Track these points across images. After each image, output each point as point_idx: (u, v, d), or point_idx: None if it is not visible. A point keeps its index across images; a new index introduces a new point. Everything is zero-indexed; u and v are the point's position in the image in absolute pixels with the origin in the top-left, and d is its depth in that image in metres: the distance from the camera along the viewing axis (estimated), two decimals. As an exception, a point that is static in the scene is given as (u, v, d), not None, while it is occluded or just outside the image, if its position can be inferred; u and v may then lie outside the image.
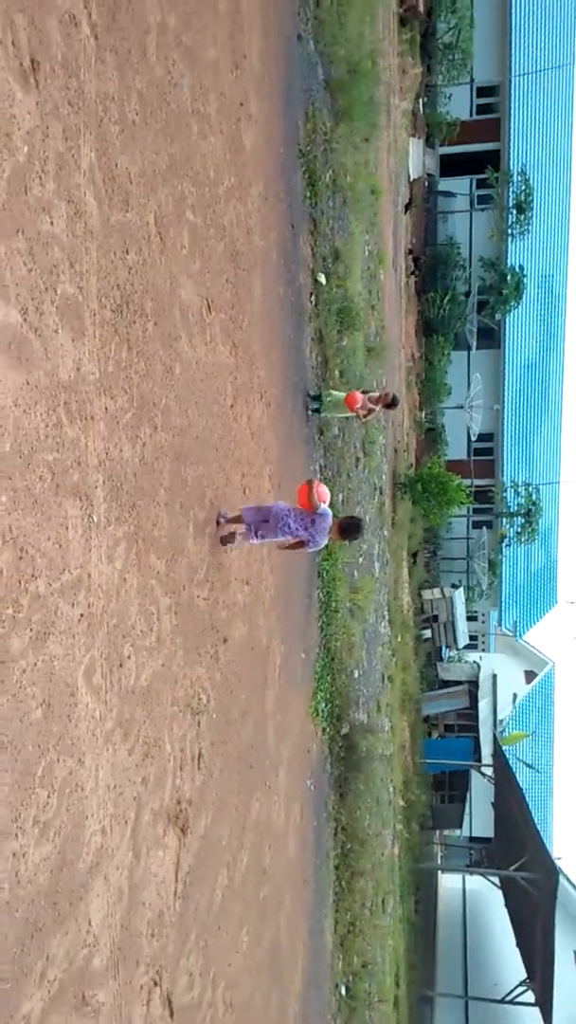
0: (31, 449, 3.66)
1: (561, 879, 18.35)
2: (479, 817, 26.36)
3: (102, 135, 4.41)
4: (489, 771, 23.94)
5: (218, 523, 6.45)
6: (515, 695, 29.38)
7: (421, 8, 24.87)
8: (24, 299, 3.61)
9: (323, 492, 6.75)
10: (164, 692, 5.13)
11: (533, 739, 29.48)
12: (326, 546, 7.87)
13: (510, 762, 22.42)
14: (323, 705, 10.48)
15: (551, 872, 16.86)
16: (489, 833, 24.62)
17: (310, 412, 10.24)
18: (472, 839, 27.32)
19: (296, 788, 9.04)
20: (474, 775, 25.94)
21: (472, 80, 29.73)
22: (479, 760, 25.87)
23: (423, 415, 29.39)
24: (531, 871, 17.75)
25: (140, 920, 4.70)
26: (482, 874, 22.02)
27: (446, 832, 27.70)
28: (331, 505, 9.56)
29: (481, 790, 25.41)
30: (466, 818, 26.50)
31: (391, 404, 10.91)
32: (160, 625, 5.12)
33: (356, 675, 12.74)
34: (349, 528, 7.03)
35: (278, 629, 8.43)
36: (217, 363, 6.60)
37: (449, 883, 25.63)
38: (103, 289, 4.43)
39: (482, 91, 30.30)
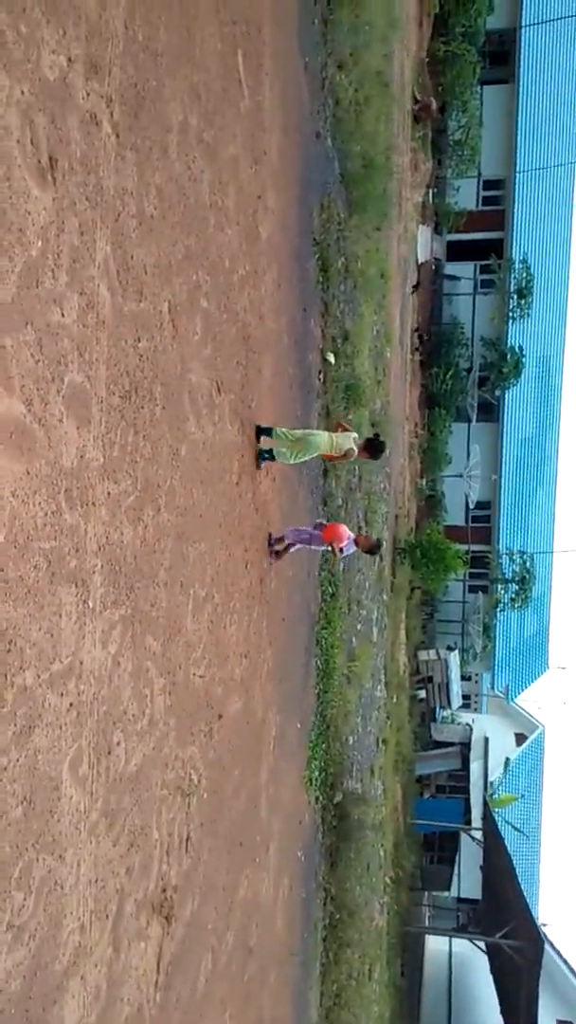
0: (27, 538, 3.45)
1: (546, 947, 17.59)
2: (467, 878, 25.44)
3: (119, 229, 4.29)
4: (478, 834, 23.17)
5: (270, 545, 7.94)
6: (508, 759, 28.61)
7: (434, 107, 25.39)
8: (29, 390, 3.43)
9: (343, 533, 8.23)
10: (154, 776, 4.83)
11: (522, 802, 28.62)
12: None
13: (499, 825, 21.70)
14: (317, 774, 10.07)
15: (536, 941, 16.15)
16: (477, 894, 23.73)
17: (261, 462, 7.44)
18: (460, 900, 26.35)
19: (286, 861, 8.61)
20: (463, 836, 25.12)
21: (479, 174, 30.31)
22: (469, 822, 25.08)
23: (424, 482, 29.28)
24: (517, 939, 17.01)
25: (118, 1017, 4.34)
26: (469, 938, 21.14)
27: (434, 892, 26.71)
28: (332, 571, 10.09)
29: (470, 851, 24.57)
30: (454, 879, 25.59)
31: (375, 453, 8.07)
32: (153, 707, 4.84)
33: (351, 741, 12.32)
34: (372, 550, 8.84)
35: (274, 700, 8.11)
36: (225, 442, 6.43)
37: (436, 945, 24.66)
38: (112, 376, 4.26)
39: (488, 184, 30.88)
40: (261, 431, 7.34)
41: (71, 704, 3.81)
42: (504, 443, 30.79)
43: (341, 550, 8.26)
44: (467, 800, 25.96)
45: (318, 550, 9.24)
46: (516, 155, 29.62)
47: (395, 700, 19.64)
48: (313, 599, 10.46)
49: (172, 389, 5.14)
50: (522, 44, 29.50)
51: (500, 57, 30.16)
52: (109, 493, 4.25)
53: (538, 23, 29.62)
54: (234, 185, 6.47)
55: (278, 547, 8.16)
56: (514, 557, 30.36)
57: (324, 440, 7.57)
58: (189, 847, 5.42)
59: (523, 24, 29.49)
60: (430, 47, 26.20)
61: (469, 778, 26.25)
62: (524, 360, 29.55)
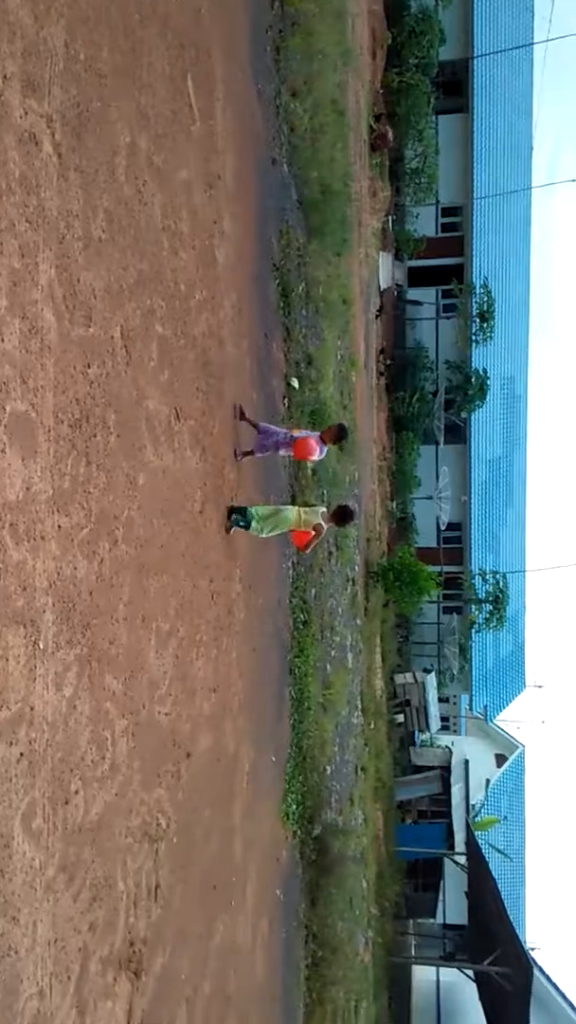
0: (-32, 578, 3.22)
1: (536, 972, 17.26)
2: (453, 904, 25.06)
3: (63, 252, 4.12)
4: (462, 859, 22.85)
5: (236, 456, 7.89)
6: (488, 781, 28.34)
7: (390, 137, 25.66)
8: (-34, 420, 3.23)
9: (312, 446, 7.99)
10: (117, 824, 4.56)
11: (505, 824, 28.33)
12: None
13: (482, 848, 21.39)
14: (294, 808, 9.78)
15: (525, 967, 15.82)
16: (463, 920, 23.35)
17: (231, 528, 7.54)
18: (446, 926, 25.92)
19: (264, 901, 8.29)
20: (447, 861, 24.75)
21: (437, 201, 30.68)
22: (452, 846, 24.74)
23: (394, 505, 29.24)
24: (505, 965, 16.67)
25: None
26: (456, 967, 20.72)
27: (419, 920, 26.26)
28: (304, 598, 9.73)
29: (454, 877, 24.21)
30: (439, 906, 25.17)
31: (343, 520, 8.26)
32: (114, 750, 4.59)
33: (328, 771, 12.04)
34: (341, 435, 8.40)
35: (247, 734, 7.85)
36: (186, 470, 6.24)
37: (423, 975, 24.17)
38: (60, 404, 4.06)
39: (446, 211, 31.27)
40: (234, 511, 7.53)
41: (22, 754, 3.56)
42: (472, 464, 30.90)
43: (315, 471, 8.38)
44: (449, 824, 25.65)
45: (286, 455, 8.85)
46: (473, 182, 30.03)
47: (373, 726, 19.37)
48: (285, 627, 10.24)
49: (127, 416, 4.95)
50: (474, 74, 30.03)
51: (453, 87, 30.65)
52: (60, 526, 4.03)
53: (489, 53, 30.19)
54: (188, 209, 6.34)
55: (247, 448, 8.14)
56: (487, 577, 30.33)
57: (293, 515, 7.88)
58: (158, 896, 5.14)
59: (475, 55, 30.05)
60: (384, 78, 26.55)
61: (450, 802, 25.96)
62: (489, 382, 29.77)
